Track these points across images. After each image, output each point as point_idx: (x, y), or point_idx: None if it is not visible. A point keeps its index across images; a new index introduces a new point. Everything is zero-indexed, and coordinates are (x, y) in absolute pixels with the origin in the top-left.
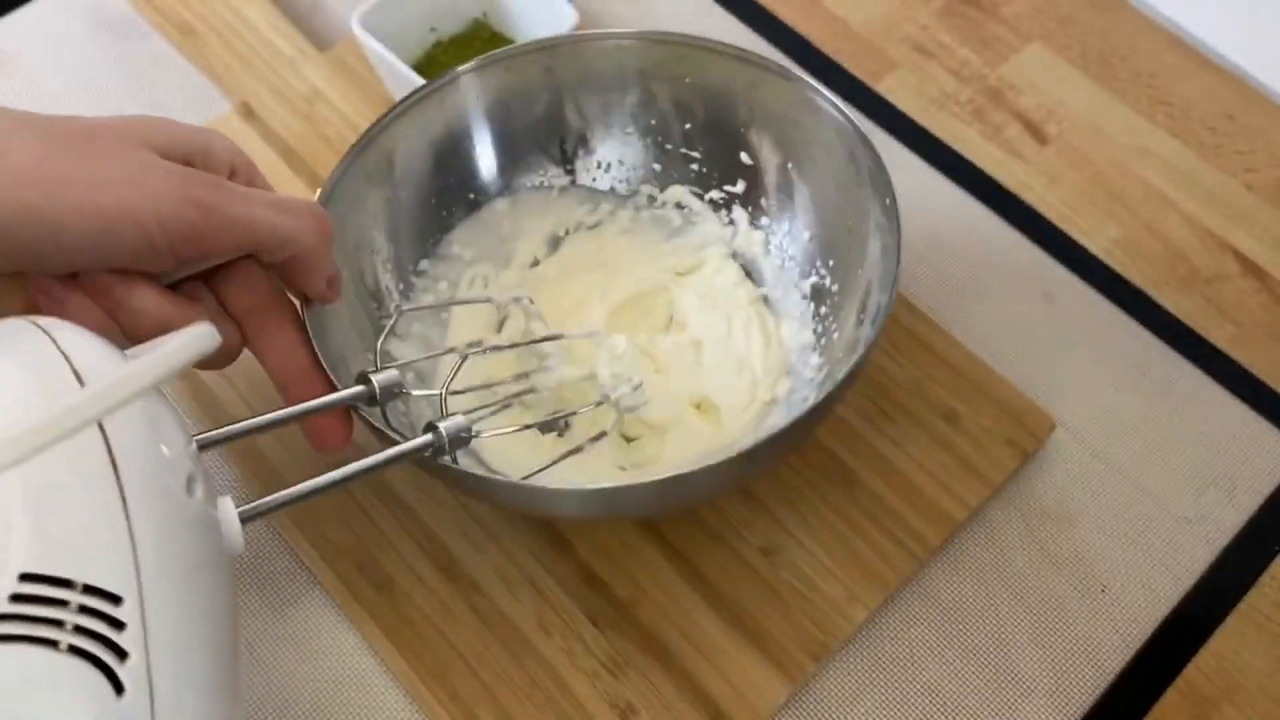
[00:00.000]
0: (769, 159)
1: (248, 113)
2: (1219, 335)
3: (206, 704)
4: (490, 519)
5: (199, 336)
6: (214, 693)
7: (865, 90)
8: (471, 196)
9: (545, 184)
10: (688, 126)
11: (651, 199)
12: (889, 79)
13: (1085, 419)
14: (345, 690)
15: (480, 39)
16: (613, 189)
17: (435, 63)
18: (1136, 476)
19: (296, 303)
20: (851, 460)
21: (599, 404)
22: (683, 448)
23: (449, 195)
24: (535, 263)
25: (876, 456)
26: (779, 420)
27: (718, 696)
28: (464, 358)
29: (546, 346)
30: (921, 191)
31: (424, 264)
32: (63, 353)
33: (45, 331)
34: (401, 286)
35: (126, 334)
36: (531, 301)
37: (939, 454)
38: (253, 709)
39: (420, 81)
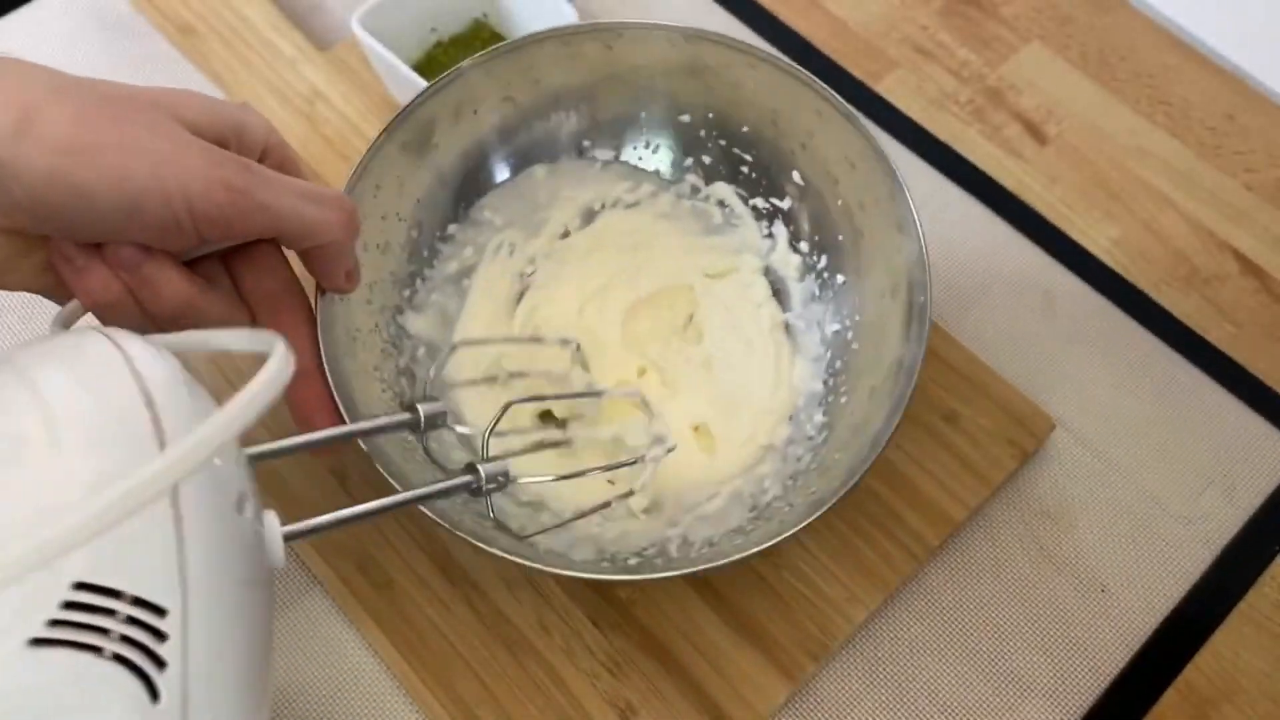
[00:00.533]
0: (820, 189)
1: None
2: (1218, 335)
3: (238, 710)
4: None
5: (280, 370)
6: (246, 699)
7: (865, 90)
8: (511, 161)
9: (589, 155)
10: (744, 129)
11: (695, 189)
12: (889, 79)
13: (1085, 419)
14: (345, 690)
15: (480, 39)
16: (657, 171)
17: (435, 63)
18: (1136, 476)
19: (310, 293)
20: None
21: (634, 463)
22: (673, 473)
23: (487, 162)
24: (566, 234)
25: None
26: (769, 470)
27: (718, 696)
28: (507, 407)
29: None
30: (921, 192)
31: (452, 228)
32: (136, 375)
33: (119, 348)
34: (426, 253)
35: (145, 310)
36: (579, 348)
37: (939, 454)
38: None
39: (421, 82)
